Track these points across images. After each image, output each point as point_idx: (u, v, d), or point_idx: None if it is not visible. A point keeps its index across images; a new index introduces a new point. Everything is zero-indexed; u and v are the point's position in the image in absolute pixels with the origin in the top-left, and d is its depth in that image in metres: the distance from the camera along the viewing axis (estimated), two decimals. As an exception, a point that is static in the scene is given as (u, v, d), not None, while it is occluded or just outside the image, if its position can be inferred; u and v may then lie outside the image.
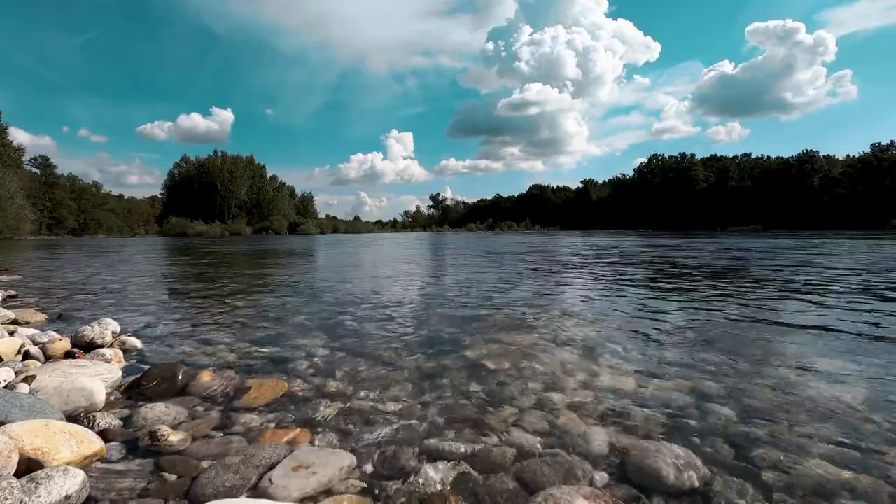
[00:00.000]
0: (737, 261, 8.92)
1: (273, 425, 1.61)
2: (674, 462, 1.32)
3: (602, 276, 6.68)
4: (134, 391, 1.92)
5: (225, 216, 77.35)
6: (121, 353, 2.42)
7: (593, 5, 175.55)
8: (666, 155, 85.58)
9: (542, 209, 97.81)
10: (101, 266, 9.24)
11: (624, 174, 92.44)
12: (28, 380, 1.76)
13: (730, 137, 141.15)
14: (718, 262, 8.63)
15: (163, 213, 76.51)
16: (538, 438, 1.52)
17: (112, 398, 1.84)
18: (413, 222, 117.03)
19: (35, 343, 2.45)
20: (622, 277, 6.47)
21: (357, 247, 19.21)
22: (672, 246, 15.10)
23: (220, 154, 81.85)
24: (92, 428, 1.52)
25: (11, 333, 2.59)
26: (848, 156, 63.63)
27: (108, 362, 2.21)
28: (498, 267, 8.35)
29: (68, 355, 2.35)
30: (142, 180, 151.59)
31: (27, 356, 2.26)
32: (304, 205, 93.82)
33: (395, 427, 1.60)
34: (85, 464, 1.30)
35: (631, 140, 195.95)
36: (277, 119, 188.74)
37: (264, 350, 2.61)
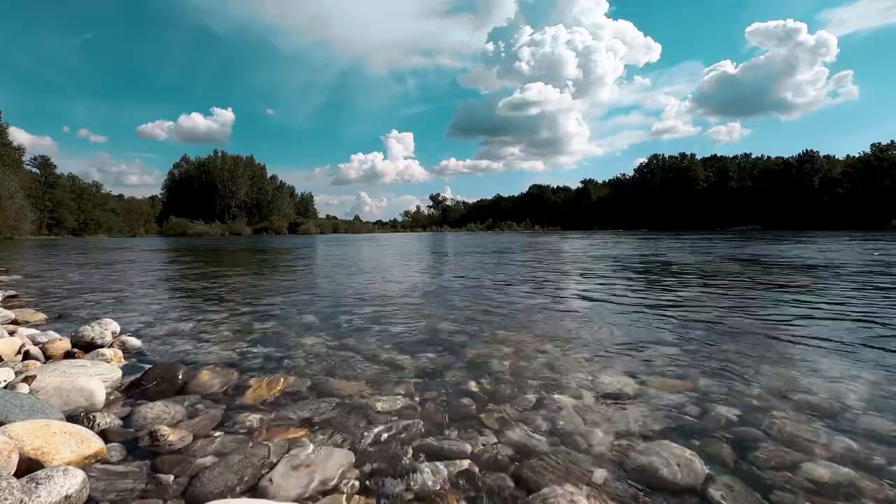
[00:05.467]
0: (736, 260, 8.91)
1: (273, 424, 1.61)
2: (673, 461, 1.33)
3: (602, 276, 6.68)
4: (134, 391, 1.92)
5: (225, 216, 77.39)
6: (121, 353, 2.42)
7: (593, 6, 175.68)
8: (666, 155, 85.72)
9: (543, 209, 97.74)
10: (100, 266, 9.23)
11: (624, 174, 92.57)
12: (28, 380, 1.76)
13: (730, 137, 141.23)
14: (717, 263, 8.63)
15: (163, 213, 76.53)
16: (538, 437, 1.52)
17: (112, 398, 1.84)
18: (413, 222, 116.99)
19: (35, 343, 2.45)
20: (622, 278, 6.47)
21: (357, 247, 19.20)
22: (672, 247, 15.10)
23: (220, 154, 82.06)
24: (92, 428, 1.52)
25: (11, 333, 2.59)
26: (848, 156, 63.67)
27: (108, 362, 2.21)
28: (497, 267, 8.35)
29: (68, 355, 2.34)
30: (142, 180, 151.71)
31: (27, 356, 2.26)
32: (304, 205, 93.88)
33: (394, 425, 1.60)
34: (85, 464, 1.30)
35: (631, 140, 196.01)
36: (278, 119, 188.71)
37: (264, 348, 2.61)
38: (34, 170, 57.37)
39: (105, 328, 2.63)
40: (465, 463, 1.36)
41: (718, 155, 79.68)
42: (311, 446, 1.44)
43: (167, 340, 2.84)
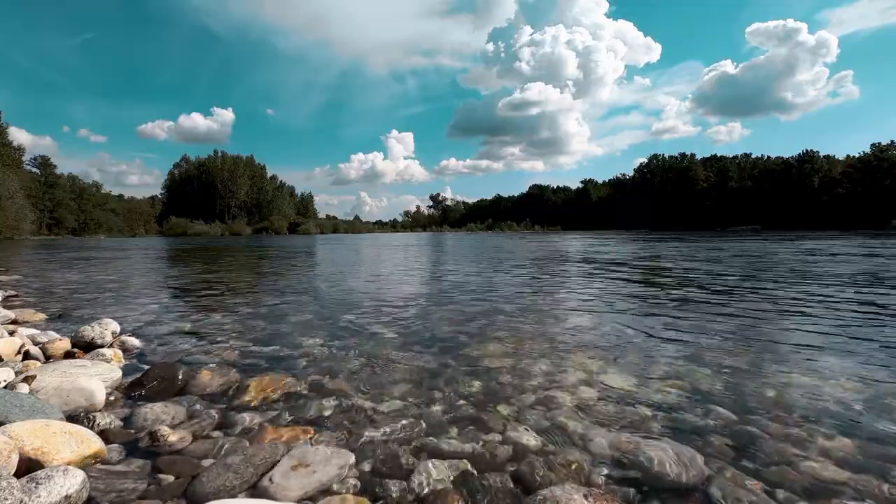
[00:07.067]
0: (735, 261, 8.91)
1: (273, 424, 1.62)
2: (674, 460, 1.33)
3: (601, 277, 6.68)
4: (134, 391, 1.91)
5: (225, 216, 77.38)
6: (121, 353, 2.42)
7: (593, 6, 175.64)
8: (666, 155, 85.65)
9: (543, 209, 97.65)
10: (100, 266, 9.23)
11: (624, 174, 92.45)
12: (28, 380, 1.76)
13: (730, 137, 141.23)
14: (716, 263, 8.63)
15: (163, 213, 76.49)
16: (538, 437, 1.52)
17: (112, 398, 1.84)
18: (413, 222, 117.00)
19: (35, 343, 2.45)
20: (621, 278, 6.47)
21: (357, 247, 19.20)
22: (672, 247, 15.10)
23: (220, 154, 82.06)
24: (92, 428, 1.52)
25: (11, 333, 2.59)
26: (848, 156, 63.61)
27: (108, 362, 2.21)
28: (496, 266, 8.35)
29: (68, 355, 2.35)
30: (142, 180, 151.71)
31: (27, 356, 2.26)
32: (304, 205, 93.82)
33: (394, 426, 1.60)
34: (85, 464, 1.30)
35: (631, 140, 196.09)
36: (278, 119, 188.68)
37: (264, 349, 2.61)
38: (34, 170, 57.36)
39: (105, 328, 2.63)
40: (465, 463, 1.36)
41: (718, 155, 79.67)
42: (311, 446, 1.44)
43: (167, 340, 2.84)
